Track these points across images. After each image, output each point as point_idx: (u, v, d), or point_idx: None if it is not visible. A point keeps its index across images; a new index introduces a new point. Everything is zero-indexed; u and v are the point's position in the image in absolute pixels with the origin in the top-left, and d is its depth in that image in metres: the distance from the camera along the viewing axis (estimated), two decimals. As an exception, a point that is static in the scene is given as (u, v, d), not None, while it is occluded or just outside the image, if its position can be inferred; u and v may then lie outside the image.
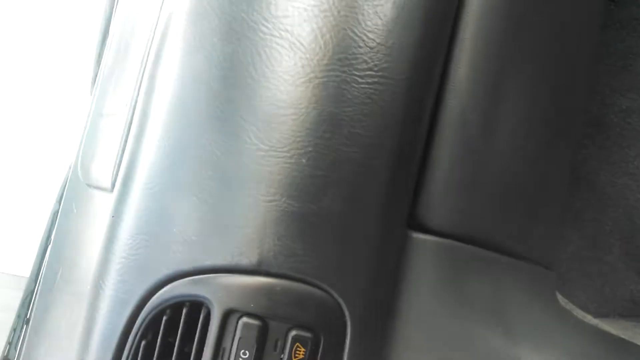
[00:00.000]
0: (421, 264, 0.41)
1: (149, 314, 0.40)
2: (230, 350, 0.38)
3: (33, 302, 0.59)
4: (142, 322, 0.40)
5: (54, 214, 0.59)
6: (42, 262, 0.58)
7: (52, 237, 0.54)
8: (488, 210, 0.44)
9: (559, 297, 0.58)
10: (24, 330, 0.60)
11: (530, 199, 0.49)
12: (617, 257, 0.80)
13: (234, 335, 0.38)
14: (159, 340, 0.39)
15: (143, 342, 0.40)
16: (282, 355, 0.38)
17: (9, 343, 0.62)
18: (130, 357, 0.40)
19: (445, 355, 0.40)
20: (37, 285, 0.59)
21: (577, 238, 0.78)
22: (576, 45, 0.52)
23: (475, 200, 0.43)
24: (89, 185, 0.47)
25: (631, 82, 0.74)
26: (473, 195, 0.43)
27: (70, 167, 0.57)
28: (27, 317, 0.61)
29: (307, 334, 0.38)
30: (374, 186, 0.39)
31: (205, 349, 0.39)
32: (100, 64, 0.56)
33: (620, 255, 0.80)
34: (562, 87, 0.51)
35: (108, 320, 0.41)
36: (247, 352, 0.38)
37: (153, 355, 0.40)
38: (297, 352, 0.38)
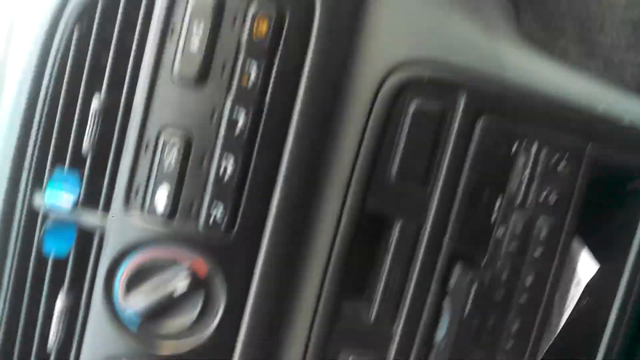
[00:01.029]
0: None
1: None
2: (181, 26, 0.33)
3: None
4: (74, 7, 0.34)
5: None
6: None
7: None
8: None
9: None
10: None
11: None
12: (568, 40, 0.80)
13: (185, 9, 0.32)
14: (94, 28, 0.34)
15: (76, 31, 0.34)
16: (241, 32, 0.33)
17: None
18: (63, 42, 0.34)
19: (419, 42, 0.37)
20: None
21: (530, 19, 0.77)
22: None
23: None
24: None
25: None
26: None
27: None
28: None
29: (271, 9, 0.33)
30: None
31: (150, 26, 0.33)
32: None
33: (572, 37, 0.80)
34: None
35: None
36: (201, 25, 0.32)
37: (88, 46, 0.34)
38: (260, 27, 0.33)
